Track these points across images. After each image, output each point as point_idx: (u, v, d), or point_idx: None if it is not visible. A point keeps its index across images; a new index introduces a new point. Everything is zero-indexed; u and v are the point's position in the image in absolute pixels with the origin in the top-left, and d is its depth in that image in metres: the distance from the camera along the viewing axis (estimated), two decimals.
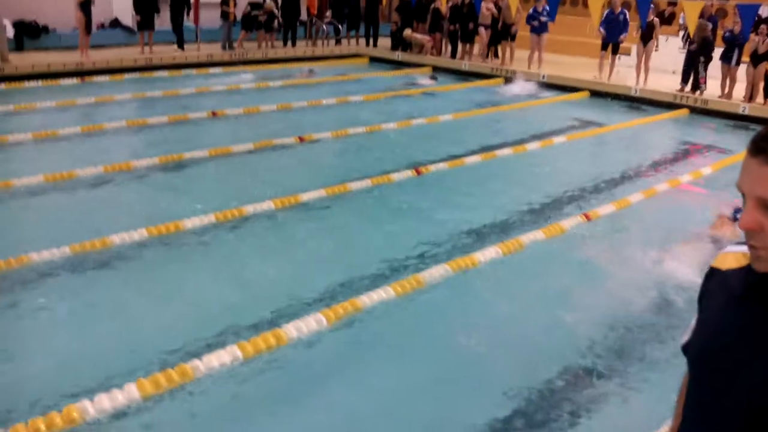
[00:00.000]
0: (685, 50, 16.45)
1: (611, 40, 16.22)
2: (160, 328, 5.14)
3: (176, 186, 8.38)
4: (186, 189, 8.32)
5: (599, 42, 16.66)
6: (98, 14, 17.23)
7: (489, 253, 6.48)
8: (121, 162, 8.71)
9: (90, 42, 15.71)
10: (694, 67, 15.16)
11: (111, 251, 6.23)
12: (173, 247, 6.50)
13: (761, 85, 14.47)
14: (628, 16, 16.33)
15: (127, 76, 14.94)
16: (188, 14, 17.47)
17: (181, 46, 17.26)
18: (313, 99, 13.44)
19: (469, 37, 18.38)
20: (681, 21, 19.30)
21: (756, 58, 14.14)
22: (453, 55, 18.98)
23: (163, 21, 17.06)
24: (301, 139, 10.42)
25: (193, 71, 16.04)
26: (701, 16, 15.22)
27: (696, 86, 15.20)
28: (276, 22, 18.71)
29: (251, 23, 18.25)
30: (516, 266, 6.51)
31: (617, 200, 8.38)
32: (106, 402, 4.09)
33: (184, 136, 10.75)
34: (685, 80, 15.42)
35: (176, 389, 4.31)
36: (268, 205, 7.43)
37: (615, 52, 16.48)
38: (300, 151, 10.18)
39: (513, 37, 17.95)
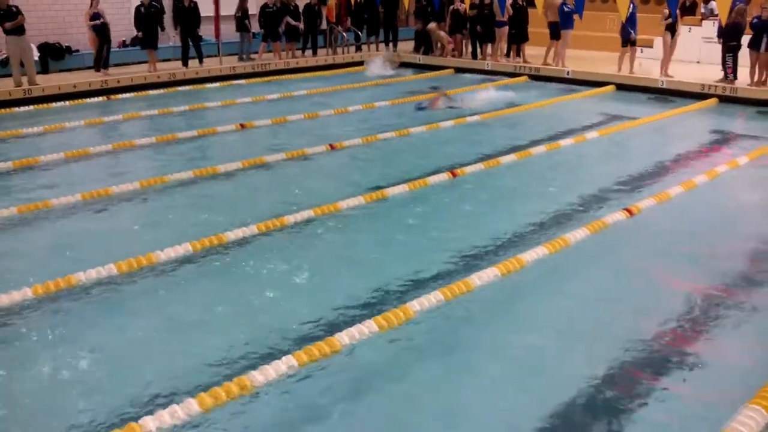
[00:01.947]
0: (716, 40, 16.16)
1: (636, 34, 16.09)
2: (212, 343, 5.11)
3: (213, 198, 8.38)
4: (223, 201, 8.33)
5: (618, 36, 16.50)
6: (120, 33, 17.38)
7: (537, 252, 6.41)
8: (155, 177, 8.74)
9: (112, 60, 15.88)
10: (729, 55, 14.90)
11: (158, 267, 6.24)
12: (216, 261, 6.49)
13: None
14: None
15: (152, 92, 15.02)
16: (198, 29, 17.18)
17: (185, 63, 16.93)
18: (339, 107, 13.42)
19: (490, 38, 18.28)
20: (703, 10, 19.08)
21: None
22: (474, 55, 18.90)
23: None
24: (332, 147, 10.39)
25: (217, 84, 16.10)
26: (733, 2, 14.98)
27: (727, 75, 14.97)
28: (298, 30, 18.73)
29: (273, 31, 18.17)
30: (562, 264, 6.47)
31: (657, 194, 8.25)
32: (167, 418, 4.08)
33: (213, 148, 10.82)
34: (724, 69, 15.16)
35: (234, 402, 4.29)
36: (308, 214, 7.40)
37: (634, 44, 16.33)
38: (331, 159, 10.15)
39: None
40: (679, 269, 6.58)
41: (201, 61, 17.00)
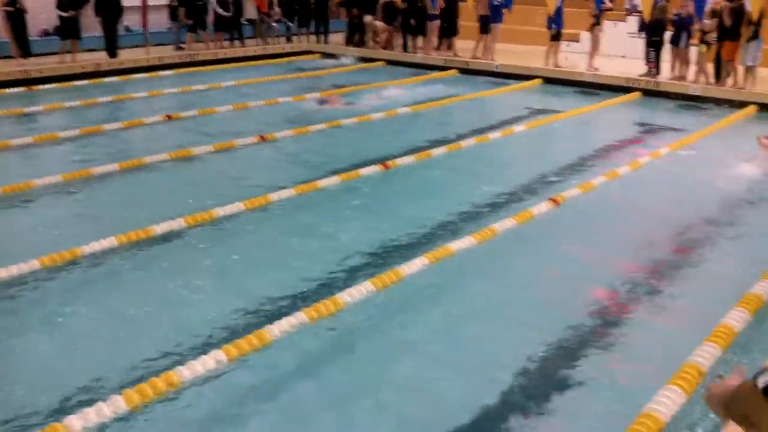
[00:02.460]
0: (639, 35, 16.60)
1: (561, 29, 16.43)
2: (138, 338, 5.03)
3: (138, 191, 8.23)
4: (150, 194, 8.18)
5: (546, 30, 16.80)
6: (42, 21, 16.85)
7: (465, 242, 6.50)
8: (81, 170, 8.51)
9: (35, 49, 15.37)
10: (652, 50, 15.33)
11: (84, 261, 6.09)
12: (141, 255, 6.37)
13: (710, 66, 14.73)
14: None
15: (76, 83, 14.60)
16: (120, 19, 16.68)
17: (112, 53, 16.40)
18: (269, 99, 13.31)
19: (421, 30, 18.39)
20: (627, 5, 19.59)
21: (706, 42, 14.44)
22: (405, 48, 18.99)
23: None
24: (262, 139, 10.31)
25: (145, 75, 15.76)
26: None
27: (650, 70, 15.41)
28: (227, 20, 18.47)
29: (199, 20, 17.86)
30: (488, 252, 6.58)
31: (581, 184, 8.48)
32: (93, 416, 3.99)
33: (141, 140, 10.60)
34: (647, 64, 15.58)
35: (162, 398, 4.23)
36: (237, 207, 7.33)
37: (560, 38, 16.68)
38: (261, 151, 10.06)
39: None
40: (602, 255, 6.76)
41: (112, 55, 16.40)
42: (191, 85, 14.48)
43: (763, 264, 6.22)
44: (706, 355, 4.63)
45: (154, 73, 15.96)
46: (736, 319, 5.14)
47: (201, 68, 16.77)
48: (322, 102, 13.36)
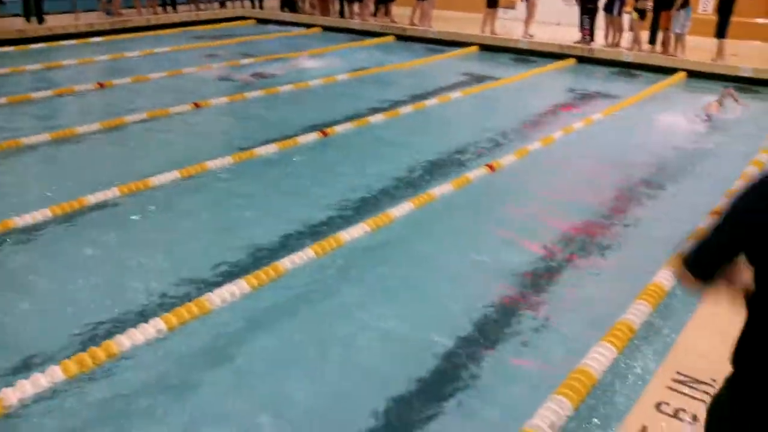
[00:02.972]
0: (574, 2, 16.78)
1: None
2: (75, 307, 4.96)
3: (70, 161, 8.03)
4: (82, 164, 8.00)
5: None
6: None
7: (403, 208, 6.57)
8: (9, 140, 8.25)
9: None
10: (586, 17, 15.55)
11: (15, 233, 5.94)
12: (75, 226, 6.25)
13: (643, 34, 15.03)
14: None
15: (1, 49, 14.06)
16: None
17: (39, 19, 15.80)
18: (203, 65, 13.07)
19: None
20: None
21: (639, 10, 14.74)
22: (341, 14, 18.84)
23: None
24: (197, 106, 10.14)
25: (74, 42, 15.26)
26: None
27: (584, 37, 15.65)
28: None
29: None
30: (426, 217, 6.68)
31: (517, 150, 8.62)
32: (29, 387, 3.94)
33: (72, 109, 10.31)
34: (581, 31, 15.80)
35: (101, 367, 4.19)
36: (173, 176, 7.23)
37: (497, 5, 16.78)
38: (196, 119, 9.90)
39: None
40: (536, 216, 6.93)
41: (39, 20, 15.86)
42: (123, 51, 14.10)
43: (692, 224, 6.44)
44: (637, 313, 4.81)
45: (83, 40, 15.47)
46: (666, 278, 5.33)
47: (133, 35, 16.35)
48: (256, 69, 13.18)
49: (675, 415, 3.61)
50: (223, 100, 10.59)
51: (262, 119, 10.10)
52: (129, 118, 9.39)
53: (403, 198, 6.92)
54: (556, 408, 3.73)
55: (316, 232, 6.23)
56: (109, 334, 4.47)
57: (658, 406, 3.68)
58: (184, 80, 12.16)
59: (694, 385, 3.88)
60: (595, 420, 3.92)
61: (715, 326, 4.50)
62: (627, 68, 14.66)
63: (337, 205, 6.86)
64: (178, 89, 11.43)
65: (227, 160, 7.78)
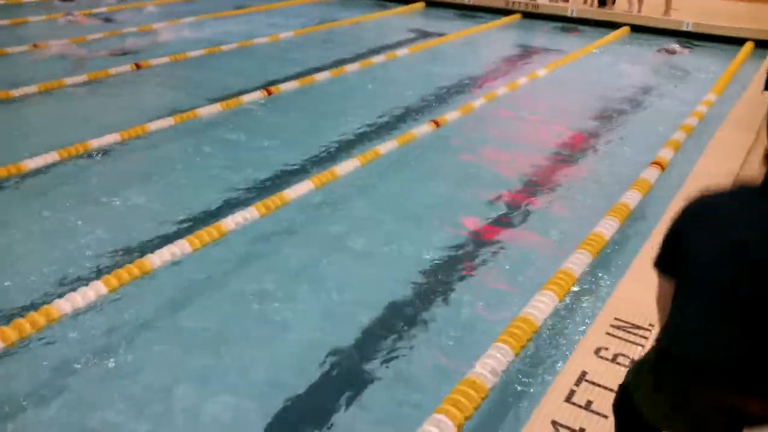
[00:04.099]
0: None
1: None
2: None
3: (6, 126, 7.79)
4: (20, 128, 7.77)
5: None
6: None
7: (349, 164, 6.55)
8: None
9: None
10: None
11: None
12: (14, 192, 6.09)
13: None
14: None
15: None
16: None
17: None
18: (144, 25, 12.73)
19: None
20: None
21: None
22: None
23: None
24: (138, 66, 9.89)
25: (3, 1, 14.72)
26: None
27: None
28: None
29: None
30: (373, 174, 6.69)
31: (462, 106, 8.64)
32: None
33: (5, 71, 9.96)
34: None
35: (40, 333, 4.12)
36: (114, 138, 7.07)
37: None
38: (137, 79, 9.67)
39: None
40: (480, 172, 6.97)
41: None
42: (61, 11, 13.65)
43: (632, 173, 6.58)
44: (577, 262, 4.89)
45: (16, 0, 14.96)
46: (606, 227, 5.42)
47: None
48: (197, 27, 12.90)
49: (614, 359, 3.70)
50: (164, 60, 10.33)
51: (204, 78, 9.90)
52: (68, 80, 9.08)
53: (349, 155, 6.89)
54: (498, 354, 3.79)
55: (260, 190, 6.18)
56: (48, 298, 4.40)
57: (597, 351, 3.76)
58: (123, 40, 11.80)
59: (632, 330, 3.97)
60: (537, 366, 4.00)
61: (652, 274, 4.60)
62: (572, 23, 14.74)
63: (281, 163, 6.81)
64: (118, 49, 11.11)
65: (169, 121, 7.63)
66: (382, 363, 4.08)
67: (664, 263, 2.32)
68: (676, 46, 11.91)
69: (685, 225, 2.18)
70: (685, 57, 12.03)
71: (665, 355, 2.13)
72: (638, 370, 2.32)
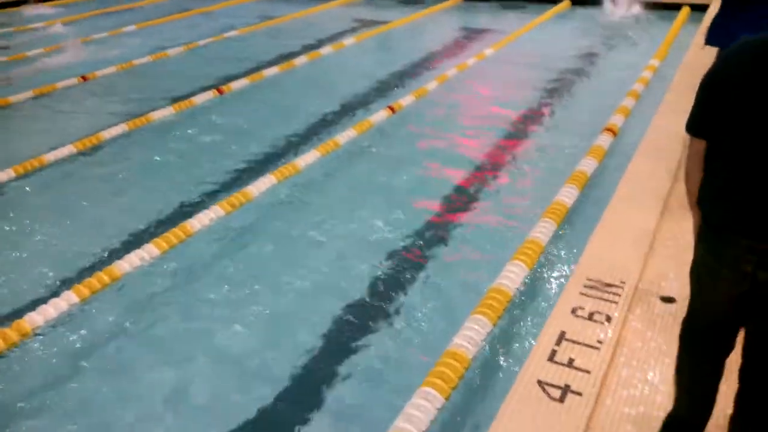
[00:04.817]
0: None
1: None
2: None
3: None
4: None
5: None
6: None
7: (309, 157, 6.57)
8: None
9: None
10: None
11: None
12: None
13: None
14: None
15: None
16: None
17: None
18: (84, 36, 12.52)
19: None
20: None
21: None
22: None
23: None
24: (84, 79, 9.73)
25: None
26: None
27: None
28: None
29: None
30: (334, 164, 6.73)
31: (415, 90, 8.70)
32: None
33: None
34: None
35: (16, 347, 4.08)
36: (68, 150, 6.98)
37: None
38: (85, 91, 9.52)
39: None
40: (439, 153, 7.03)
41: None
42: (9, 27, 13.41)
43: (587, 141, 6.72)
44: (543, 230, 4.99)
45: None
46: (567, 195, 5.54)
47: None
48: (143, 33, 12.76)
49: (590, 317, 3.80)
50: (111, 69, 10.18)
51: (154, 83, 9.79)
52: (12, 98, 8.91)
53: (309, 147, 6.91)
54: (475, 326, 3.86)
55: (222, 188, 6.19)
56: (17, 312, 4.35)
57: (573, 311, 3.86)
58: (67, 53, 11.61)
59: (605, 289, 4.08)
60: (518, 331, 4.09)
61: (617, 234, 4.73)
62: (514, 1, 14.90)
63: (241, 160, 6.80)
64: (62, 63, 10.93)
65: (122, 128, 7.55)
66: (360, 349, 4.13)
67: (697, 126, 2.50)
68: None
69: (727, 80, 2.31)
70: (627, 24, 12.27)
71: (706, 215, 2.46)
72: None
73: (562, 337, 3.60)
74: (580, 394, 3.21)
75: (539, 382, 3.26)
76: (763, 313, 2.41)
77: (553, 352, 3.48)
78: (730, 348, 2.65)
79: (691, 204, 2.58)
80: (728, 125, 2.31)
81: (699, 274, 2.59)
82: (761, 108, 2.22)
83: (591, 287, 4.09)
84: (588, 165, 6.14)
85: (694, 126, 2.50)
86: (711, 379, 2.73)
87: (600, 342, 3.58)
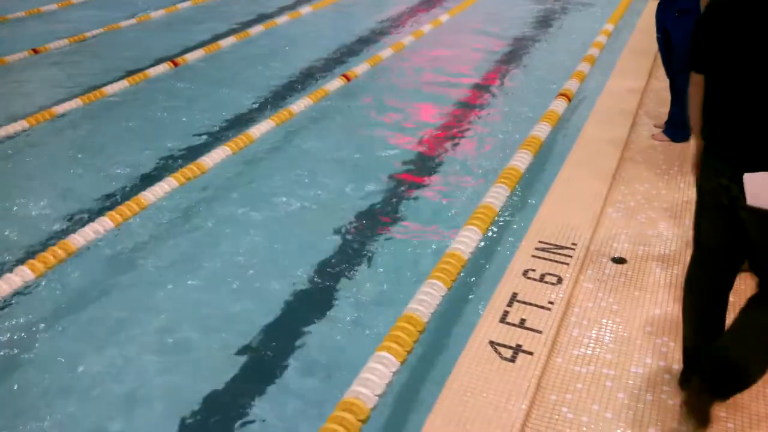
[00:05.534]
0: None
1: None
2: None
3: None
4: None
5: None
6: None
7: (264, 126, 6.54)
8: None
9: None
10: None
11: None
12: None
13: None
14: None
15: None
16: None
17: None
18: (32, 8, 12.18)
19: None
20: None
21: None
22: None
23: None
24: (35, 52, 9.48)
25: None
26: None
27: None
28: None
29: None
30: (289, 133, 6.73)
31: (370, 58, 8.69)
32: None
33: None
34: None
35: None
36: (21, 126, 6.83)
37: None
38: (37, 65, 9.31)
39: None
40: (395, 121, 7.08)
41: None
42: None
43: (541, 105, 6.79)
44: (496, 195, 5.04)
45: None
46: (521, 160, 5.60)
47: None
48: (98, 4, 12.46)
49: (541, 279, 3.87)
50: (63, 42, 9.96)
51: (106, 57, 9.61)
52: None
53: (263, 117, 6.88)
54: (430, 290, 3.91)
55: (177, 159, 6.15)
56: None
57: (525, 273, 3.93)
58: (15, 26, 11.33)
59: (556, 251, 4.16)
60: (471, 294, 4.16)
61: (569, 198, 4.81)
62: None
63: (195, 131, 6.76)
64: (12, 36, 10.67)
65: (76, 103, 7.41)
66: (318, 315, 4.17)
67: (696, 63, 2.87)
68: None
69: (710, 25, 2.75)
70: None
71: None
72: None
73: (513, 299, 3.67)
74: (531, 353, 3.28)
75: (491, 343, 3.34)
76: (745, 230, 2.75)
77: (505, 313, 3.55)
78: (730, 281, 2.97)
79: (695, 133, 2.99)
80: (713, 60, 2.76)
81: (697, 197, 2.98)
82: (734, 44, 2.64)
83: (543, 249, 4.17)
84: (542, 130, 6.20)
85: (690, 64, 2.92)
86: (714, 313, 2.99)
87: (551, 303, 3.66)
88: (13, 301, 4.27)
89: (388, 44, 9.34)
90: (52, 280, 4.45)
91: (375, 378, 3.33)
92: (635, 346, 3.42)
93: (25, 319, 4.15)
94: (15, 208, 5.49)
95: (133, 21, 11.01)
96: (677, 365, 3.22)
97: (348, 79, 7.84)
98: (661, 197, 4.87)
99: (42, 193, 5.71)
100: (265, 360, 3.85)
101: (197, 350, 3.89)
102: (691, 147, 4.78)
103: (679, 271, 3.99)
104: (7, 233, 5.10)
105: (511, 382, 3.11)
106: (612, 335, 3.50)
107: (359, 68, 8.23)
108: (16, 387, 3.65)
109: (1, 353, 3.88)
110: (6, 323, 4.11)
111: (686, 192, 4.92)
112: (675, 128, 5.80)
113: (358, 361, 3.44)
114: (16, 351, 3.90)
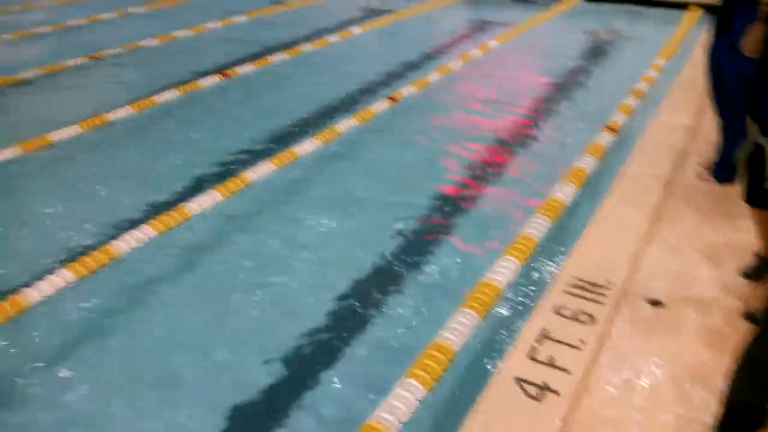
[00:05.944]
0: None
1: None
2: None
3: None
4: None
5: None
6: None
7: (308, 145, 6.62)
8: None
9: None
10: None
11: None
12: None
13: None
14: None
15: None
16: None
17: None
18: (92, 16, 12.52)
19: None
20: None
21: None
22: None
23: None
24: (92, 58, 9.76)
25: None
26: None
27: None
28: None
29: None
30: (337, 151, 6.82)
31: (417, 81, 8.74)
32: None
33: None
34: None
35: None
36: (75, 130, 7.02)
37: None
38: (91, 71, 9.55)
39: None
40: (434, 144, 7.12)
41: None
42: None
43: (587, 138, 6.77)
44: (537, 226, 5.02)
45: None
46: (564, 192, 5.58)
47: None
48: (152, 16, 12.78)
49: (574, 317, 3.85)
50: (118, 50, 10.21)
51: (159, 66, 9.83)
52: (21, 75, 8.96)
53: (309, 135, 6.96)
54: (464, 320, 3.91)
55: (221, 173, 6.23)
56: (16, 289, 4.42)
57: (557, 310, 3.91)
58: (73, 32, 11.65)
59: (590, 288, 4.13)
60: (502, 327, 4.15)
61: (608, 234, 4.78)
62: None
63: (243, 146, 6.87)
64: (68, 42, 10.98)
65: (127, 110, 7.59)
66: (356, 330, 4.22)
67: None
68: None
69: None
70: (633, 24, 12.26)
71: None
72: None
73: (544, 335, 3.65)
74: (558, 393, 3.26)
75: (517, 379, 3.32)
76: None
77: (534, 349, 3.53)
78: None
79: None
80: None
81: None
82: None
83: (577, 286, 4.14)
84: (587, 162, 6.16)
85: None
86: None
87: (582, 342, 3.63)
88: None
89: (435, 67, 9.39)
90: (94, 283, 4.55)
91: (401, 406, 3.34)
92: (667, 393, 3.37)
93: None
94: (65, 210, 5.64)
95: (187, 32, 11.23)
96: (709, 417, 3.17)
97: (394, 101, 7.89)
98: (702, 239, 4.81)
99: (85, 200, 5.87)
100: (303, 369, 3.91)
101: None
102: (736, 189, 4.71)
103: (716, 319, 3.93)
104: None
105: (535, 421, 3.10)
106: (643, 380, 3.45)
107: (405, 90, 8.27)
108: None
109: None
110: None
111: (727, 235, 4.84)
112: (721, 169, 5.70)
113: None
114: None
